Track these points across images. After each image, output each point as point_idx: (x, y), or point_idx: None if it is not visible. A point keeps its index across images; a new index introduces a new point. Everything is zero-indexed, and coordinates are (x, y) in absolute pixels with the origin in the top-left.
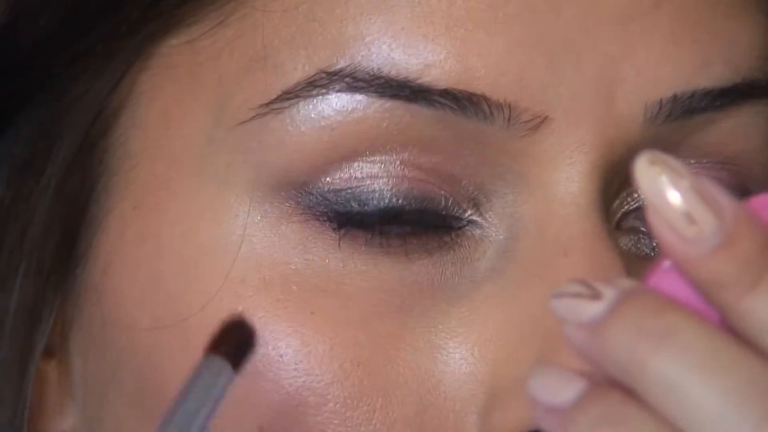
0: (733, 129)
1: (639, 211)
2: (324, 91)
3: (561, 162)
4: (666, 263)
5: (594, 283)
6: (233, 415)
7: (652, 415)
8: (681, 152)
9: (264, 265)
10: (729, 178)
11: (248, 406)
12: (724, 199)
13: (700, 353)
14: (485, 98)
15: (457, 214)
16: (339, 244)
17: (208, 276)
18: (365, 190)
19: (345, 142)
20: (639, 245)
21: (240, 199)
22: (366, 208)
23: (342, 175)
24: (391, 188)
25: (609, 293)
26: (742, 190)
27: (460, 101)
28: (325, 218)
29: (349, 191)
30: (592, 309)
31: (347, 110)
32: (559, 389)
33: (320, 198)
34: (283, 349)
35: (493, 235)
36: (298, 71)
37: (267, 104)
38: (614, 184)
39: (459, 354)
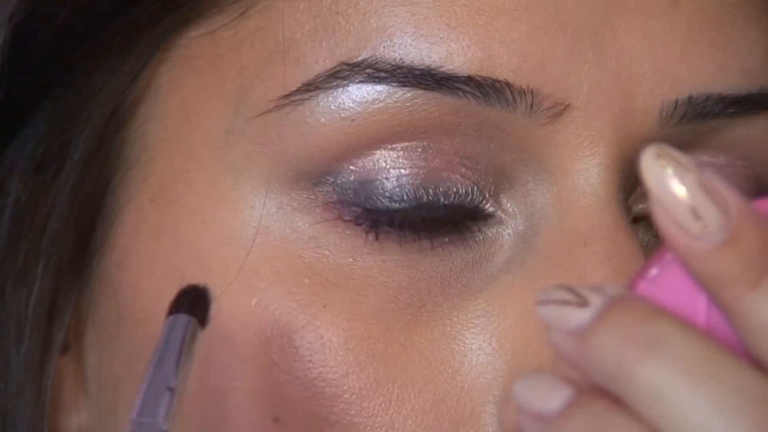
0: (747, 136)
1: None
2: (345, 82)
3: (581, 153)
4: (668, 255)
5: (580, 289)
6: (248, 406)
7: (639, 423)
8: (695, 150)
9: (277, 257)
10: (744, 174)
11: (263, 397)
12: (729, 195)
13: (688, 361)
14: (508, 85)
15: (476, 203)
16: (349, 238)
17: (222, 268)
18: (382, 180)
19: (365, 133)
20: (657, 238)
21: (256, 191)
22: (381, 199)
23: (360, 166)
24: (411, 178)
25: (596, 300)
26: (758, 186)
27: (483, 88)
28: (339, 211)
29: (366, 182)
30: (578, 316)
31: (368, 101)
32: (545, 396)
33: (336, 189)
34: (298, 341)
35: (512, 226)
36: (320, 64)
37: (287, 96)
38: (631, 179)
39: (476, 344)
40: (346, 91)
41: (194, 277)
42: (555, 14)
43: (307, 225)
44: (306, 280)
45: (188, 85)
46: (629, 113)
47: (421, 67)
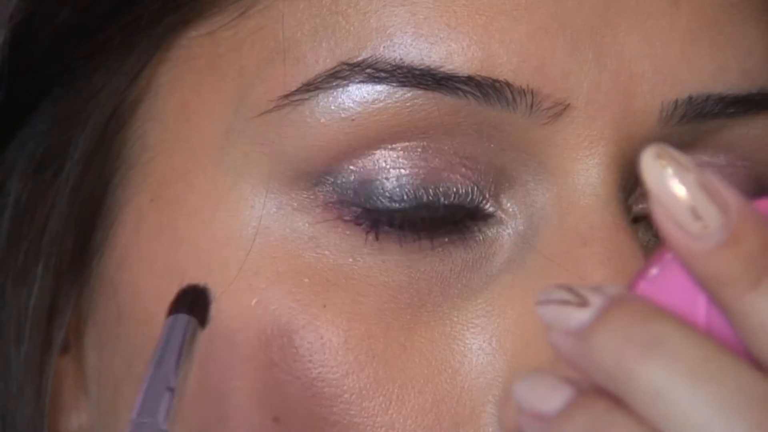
0: (747, 136)
1: None
2: (345, 82)
3: (581, 152)
4: (668, 255)
5: (580, 289)
6: (248, 406)
7: (639, 423)
8: (695, 150)
9: (277, 257)
10: (744, 174)
11: (263, 397)
12: (729, 195)
13: (688, 361)
14: (508, 84)
15: (476, 203)
16: (349, 238)
17: (222, 268)
18: (382, 180)
19: (365, 133)
20: (658, 238)
21: (256, 191)
22: (381, 199)
23: (360, 166)
24: (411, 178)
25: (596, 300)
26: (758, 186)
27: (483, 88)
28: (338, 211)
29: (366, 182)
30: (578, 316)
31: (368, 101)
32: (545, 396)
33: (336, 189)
34: (298, 341)
35: (512, 226)
36: (320, 64)
37: (287, 96)
38: (631, 179)
39: (476, 344)
40: (346, 91)
41: (194, 277)
42: (555, 14)
43: (307, 225)
44: (306, 280)
45: (188, 85)
46: (629, 113)
47: (421, 67)
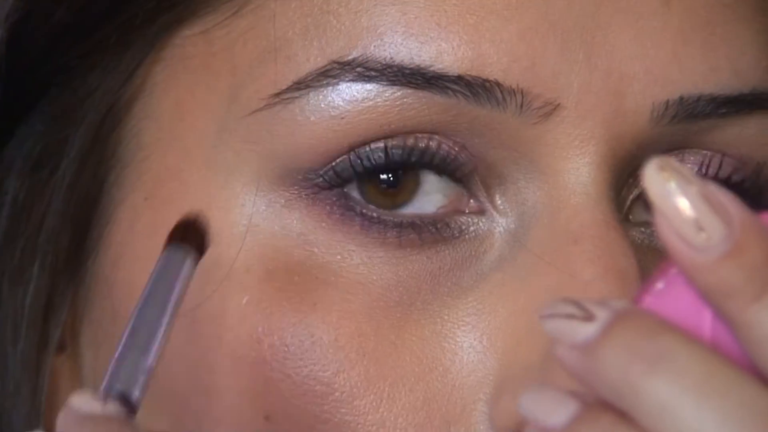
0: (739, 137)
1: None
2: (335, 81)
3: (571, 152)
4: (673, 269)
5: (586, 303)
6: (239, 404)
7: None
8: (686, 151)
9: (268, 255)
10: (737, 174)
11: (254, 395)
12: (732, 206)
13: (693, 376)
14: (498, 84)
15: (467, 201)
16: (336, 235)
17: (214, 266)
18: (371, 177)
19: (354, 131)
20: (652, 238)
21: (247, 189)
22: (370, 196)
23: (348, 167)
24: (399, 173)
25: (602, 314)
26: (754, 186)
27: (473, 87)
28: (326, 208)
29: (355, 178)
30: (584, 330)
31: (358, 100)
32: (551, 410)
33: (323, 186)
34: (289, 339)
35: (503, 224)
36: (311, 62)
37: (278, 94)
38: (623, 178)
39: (467, 343)
40: (336, 90)
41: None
42: (545, 14)
43: (295, 222)
44: (296, 277)
45: (182, 84)
46: (620, 113)
47: (411, 66)
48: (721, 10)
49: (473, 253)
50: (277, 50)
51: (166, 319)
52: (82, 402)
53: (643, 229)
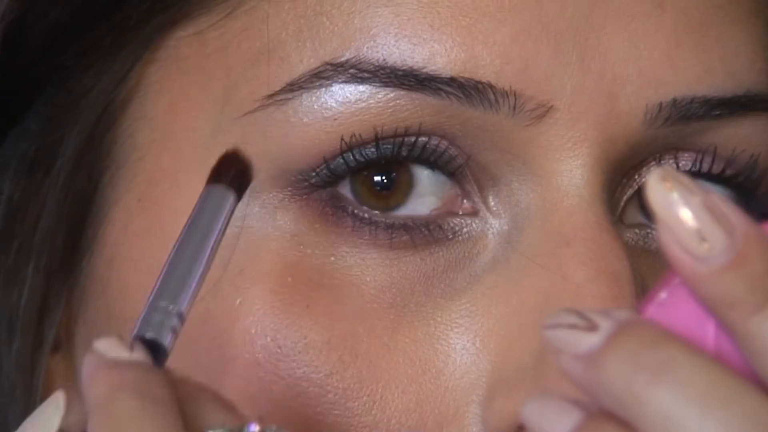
0: (733, 138)
1: (645, 206)
2: (328, 82)
3: (564, 154)
4: (676, 279)
5: (590, 313)
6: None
7: None
8: (680, 152)
9: (261, 256)
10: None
11: (247, 397)
12: (735, 217)
13: (697, 386)
14: (491, 86)
15: (460, 202)
16: (329, 236)
17: None
18: (365, 177)
19: (347, 132)
20: (647, 240)
21: None
22: (363, 197)
23: (342, 163)
24: (392, 176)
25: (605, 324)
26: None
27: (465, 89)
28: (318, 209)
29: (348, 175)
30: (588, 340)
31: (351, 101)
32: (554, 420)
33: (316, 187)
34: (281, 341)
35: (496, 226)
36: (304, 64)
37: (271, 95)
38: (616, 180)
39: (460, 345)
40: (329, 91)
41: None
42: (538, 16)
43: (288, 223)
44: (289, 279)
45: (176, 85)
46: (613, 115)
47: (404, 67)
48: (714, 12)
49: (466, 254)
50: (270, 52)
51: (200, 266)
52: (106, 347)
53: (636, 230)
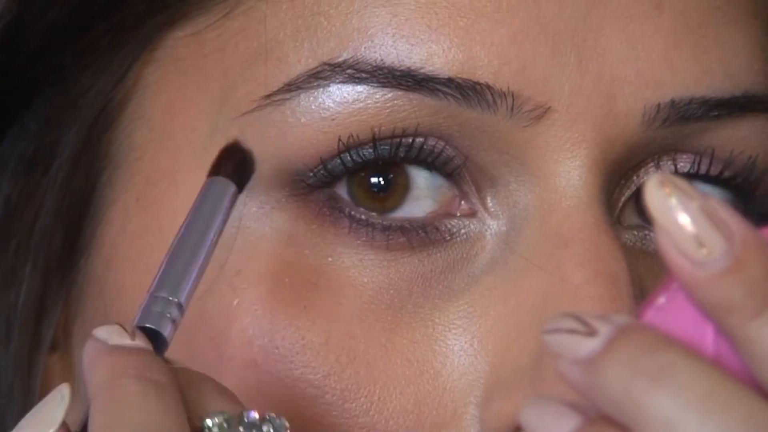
0: (731, 139)
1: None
2: (326, 82)
3: (562, 155)
4: (675, 284)
5: (589, 318)
6: None
7: None
8: (678, 153)
9: (258, 257)
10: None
11: (245, 398)
12: (733, 222)
13: (696, 391)
14: (489, 87)
15: (458, 203)
16: (326, 237)
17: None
18: (362, 178)
19: (345, 132)
20: (645, 241)
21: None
22: (360, 199)
23: (339, 163)
24: (389, 178)
25: (604, 329)
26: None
27: (463, 90)
28: (316, 209)
29: (345, 176)
30: (587, 345)
31: (348, 101)
32: (553, 424)
33: (313, 188)
34: (279, 342)
35: (494, 227)
36: (302, 64)
37: (269, 96)
38: (614, 181)
39: (458, 346)
40: (327, 91)
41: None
42: (537, 17)
43: (286, 224)
44: (286, 280)
45: (174, 85)
46: (611, 116)
47: (402, 68)
48: (712, 13)
49: (464, 255)
50: (268, 52)
51: (200, 258)
52: (108, 333)
53: (634, 232)
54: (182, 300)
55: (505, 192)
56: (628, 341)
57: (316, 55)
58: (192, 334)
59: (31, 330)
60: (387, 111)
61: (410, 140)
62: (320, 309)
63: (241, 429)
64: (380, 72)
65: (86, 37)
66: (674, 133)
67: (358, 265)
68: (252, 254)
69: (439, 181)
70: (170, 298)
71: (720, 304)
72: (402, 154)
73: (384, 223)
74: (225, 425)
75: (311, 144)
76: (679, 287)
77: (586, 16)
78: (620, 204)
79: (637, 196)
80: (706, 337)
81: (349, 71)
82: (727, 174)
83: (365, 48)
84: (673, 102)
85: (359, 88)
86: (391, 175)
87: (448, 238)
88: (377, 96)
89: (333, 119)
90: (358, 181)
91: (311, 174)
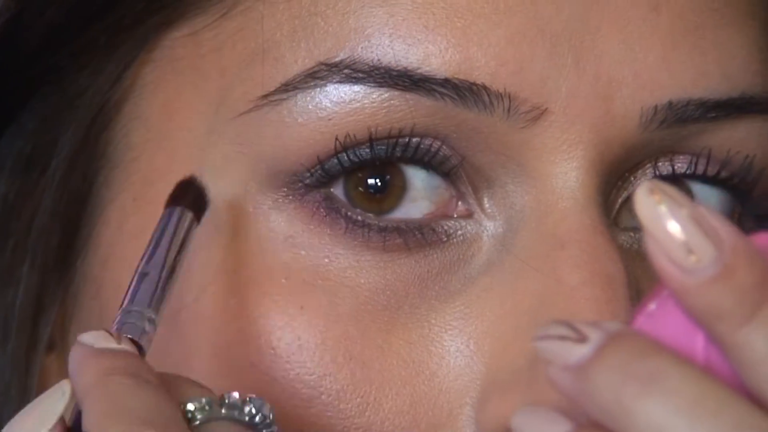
0: (728, 140)
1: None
2: (323, 82)
3: (559, 156)
4: (666, 290)
5: (579, 325)
6: None
7: None
8: (676, 155)
9: (254, 258)
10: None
11: None
12: (723, 229)
13: (686, 397)
14: (485, 88)
15: (455, 204)
16: (323, 237)
17: (202, 267)
18: (359, 180)
19: (342, 132)
20: (641, 243)
21: (235, 190)
22: (356, 200)
23: (336, 163)
24: (386, 179)
25: (594, 335)
26: (743, 182)
27: (460, 91)
28: (312, 210)
29: (342, 175)
30: (577, 351)
31: (345, 101)
32: (544, 430)
33: (310, 188)
34: (275, 342)
35: (491, 228)
36: (298, 64)
37: (266, 96)
38: (611, 182)
39: (454, 347)
40: (324, 91)
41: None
42: (534, 19)
43: (283, 224)
44: (283, 280)
45: (171, 85)
46: (608, 118)
47: (398, 68)
48: (710, 14)
49: (461, 256)
50: (265, 52)
51: (165, 276)
52: (94, 338)
53: (631, 233)
54: (153, 315)
55: (502, 193)
56: (618, 348)
57: (313, 55)
58: (186, 334)
59: (28, 329)
60: (384, 111)
61: (407, 140)
62: (317, 309)
63: (223, 411)
64: (377, 72)
65: (84, 36)
66: (671, 134)
67: (355, 266)
68: (248, 255)
69: (436, 182)
70: (143, 312)
71: (709, 311)
72: (399, 154)
73: (381, 224)
74: (206, 408)
75: (308, 144)
76: (670, 294)
77: (584, 17)
78: (617, 206)
79: None
80: (697, 343)
81: (346, 71)
82: (724, 174)
83: (362, 48)
84: (670, 104)
85: (356, 88)
86: (388, 177)
87: (445, 239)
88: (374, 96)
89: (330, 119)
90: (355, 182)
91: (308, 174)
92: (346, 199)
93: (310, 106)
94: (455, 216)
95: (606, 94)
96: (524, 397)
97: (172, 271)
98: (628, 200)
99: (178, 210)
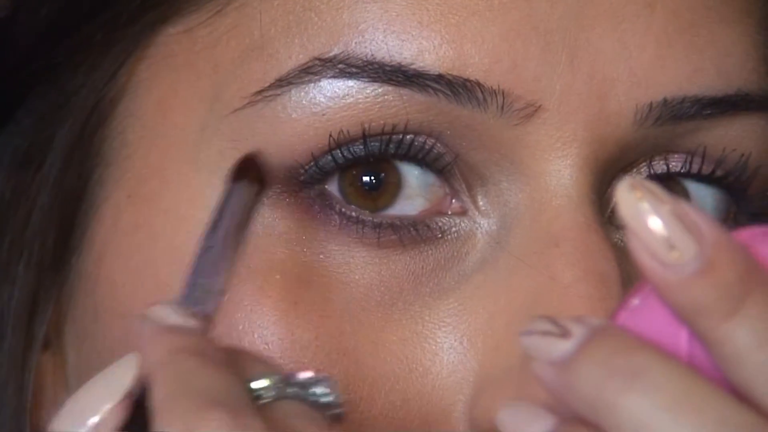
0: (724, 138)
1: None
2: (317, 77)
3: (553, 154)
4: (649, 286)
5: (563, 320)
6: None
7: None
8: (671, 152)
9: (249, 253)
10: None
11: None
12: (704, 224)
13: (669, 392)
14: (479, 84)
15: (450, 201)
16: (320, 234)
17: None
18: (353, 177)
19: (335, 128)
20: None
21: None
22: (351, 197)
23: (330, 159)
24: (381, 177)
25: (578, 331)
26: (738, 181)
27: (453, 87)
28: (307, 206)
29: (336, 172)
30: (561, 347)
31: (339, 96)
32: (527, 425)
33: (307, 182)
34: (269, 338)
35: (485, 225)
36: (293, 59)
37: (260, 92)
38: (606, 180)
39: (447, 344)
40: (318, 86)
41: (169, 273)
42: (528, 16)
43: (277, 220)
44: (277, 276)
45: (166, 82)
46: (603, 116)
47: (392, 63)
48: (705, 12)
49: (455, 254)
50: (259, 48)
51: (229, 245)
52: (165, 313)
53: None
54: (221, 285)
55: (496, 191)
56: (601, 343)
57: (306, 50)
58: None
59: (24, 327)
60: (377, 106)
61: (400, 137)
62: (310, 305)
63: (289, 390)
64: (371, 67)
65: (79, 34)
66: (666, 132)
67: (350, 262)
68: (243, 250)
69: (430, 179)
70: (209, 283)
71: (692, 307)
72: (392, 151)
73: (375, 220)
74: (274, 387)
75: (302, 140)
76: (653, 290)
77: (578, 14)
78: (611, 204)
79: None
80: (680, 339)
81: (339, 66)
82: (719, 173)
83: (356, 43)
84: (665, 101)
85: (350, 83)
86: (383, 174)
87: (439, 236)
88: (368, 91)
89: (324, 114)
90: (350, 179)
91: (303, 170)
92: (341, 195)
93: (304, 102)
94: (449, 213)
95: (600, 91)
96: (517, 394)
97: (238, 244)
98: None
99: (239, 184)
